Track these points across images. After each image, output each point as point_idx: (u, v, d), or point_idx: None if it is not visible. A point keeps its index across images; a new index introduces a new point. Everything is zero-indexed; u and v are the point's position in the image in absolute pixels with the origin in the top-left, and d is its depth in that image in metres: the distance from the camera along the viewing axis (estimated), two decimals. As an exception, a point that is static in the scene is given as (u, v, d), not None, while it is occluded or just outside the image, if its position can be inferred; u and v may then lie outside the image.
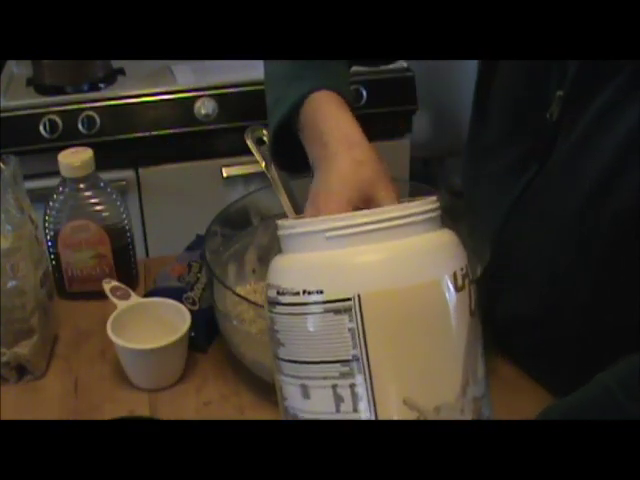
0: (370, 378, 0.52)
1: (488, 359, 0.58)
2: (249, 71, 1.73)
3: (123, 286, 0.92)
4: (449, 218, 0.91)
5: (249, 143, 0.89)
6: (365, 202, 0.62)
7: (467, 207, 0.93)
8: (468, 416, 0.54)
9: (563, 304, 0.78)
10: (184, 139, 1.70)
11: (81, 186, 0.96)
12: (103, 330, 0.85)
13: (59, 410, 0.83)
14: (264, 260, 0.96)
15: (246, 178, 1.69)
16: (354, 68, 1.82)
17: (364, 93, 1.72)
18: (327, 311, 0.52)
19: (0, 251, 0.83)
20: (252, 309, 0.83)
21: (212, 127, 1.69)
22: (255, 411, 0.82)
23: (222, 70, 1.74)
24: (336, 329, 0.52)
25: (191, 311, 0.88)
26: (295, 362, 0.54)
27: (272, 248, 0.96)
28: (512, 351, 0.88)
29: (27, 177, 0.96)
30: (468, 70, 1.64)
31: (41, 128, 1.61)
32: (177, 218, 1.70)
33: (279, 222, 0.57)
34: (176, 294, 0.92)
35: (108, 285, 0.91)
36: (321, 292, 0.52)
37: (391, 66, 1.74)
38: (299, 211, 0.86)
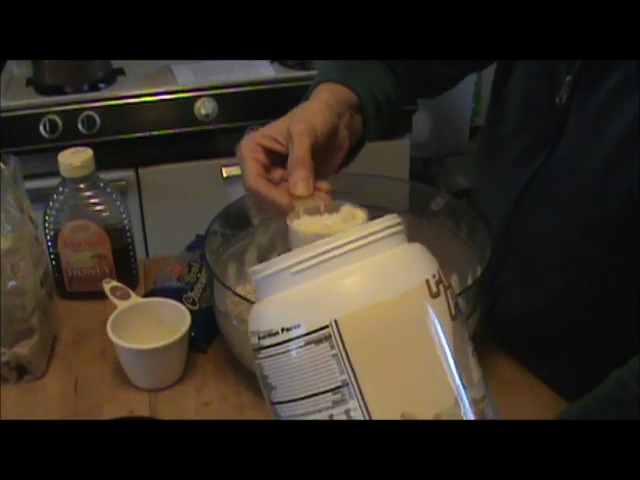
0: (363, 400, 0.52)
1: (489, 359, 0.58)
2: (249, 71, 1.74)
3: (123, 286, 0.92)
4: (449, 218, 0.92)
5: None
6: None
7: (469, 206, 0.93)
8: (470, 418, 0.54)
9: (569, 295, 0.79)
10: (184, 139, 1.70)
11: (81, 186, 0.96)
12: (103, 330, 0.85)
13: (59, 410, 0.83)
14: (264, 260, 0.96)
15: (246, 178, 1.69)
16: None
17: (364, 93, 1.72)
18: (308, 343, 0.52)
19: (0, 251, 0.83)
20: (252, 309, 0.83)
21: (212, 127, 1.69)
22: (255, 411, 0.82)
23: (222, 70, 1.74)
24: (320, 359, 0.52)
25: (191, 311, 0.88)
26: (289, 402, 0.54)
27: (272, 248, 0.96)
28: (515, 350, 0.88)
29: (27, 177, 0.96)
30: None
31: (41, 128, 1.61)
32: (177, 218, 1.70)
33: (248, 270, 0.58)
34: (176, 294, 0.92)
35: (108, 285, 0.91)
36: (298, 326, 0.52)
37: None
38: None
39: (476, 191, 0.96)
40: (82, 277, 1.00)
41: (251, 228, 0.96)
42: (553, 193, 0.79)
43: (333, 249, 0.53)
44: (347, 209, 0.66)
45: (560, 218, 0.78)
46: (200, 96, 1.68)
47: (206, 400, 0.84)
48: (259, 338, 0.54)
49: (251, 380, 0.85)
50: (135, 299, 0.90)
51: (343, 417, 0.52)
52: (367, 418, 0.52)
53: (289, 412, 0.54)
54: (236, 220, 0.94)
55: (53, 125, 1.61)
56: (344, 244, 0.53)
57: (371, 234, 0.54)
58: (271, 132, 0.73)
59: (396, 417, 0.52)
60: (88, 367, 0.90)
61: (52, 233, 0.98)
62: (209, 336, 0.92)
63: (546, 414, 0.76)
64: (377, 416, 0.52)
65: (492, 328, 0.89)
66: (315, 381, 0.53)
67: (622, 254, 0.73)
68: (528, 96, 0.85)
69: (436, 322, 0.53)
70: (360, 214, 0.66)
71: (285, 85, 1.72)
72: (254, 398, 0.84)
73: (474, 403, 0.54)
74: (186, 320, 0.86)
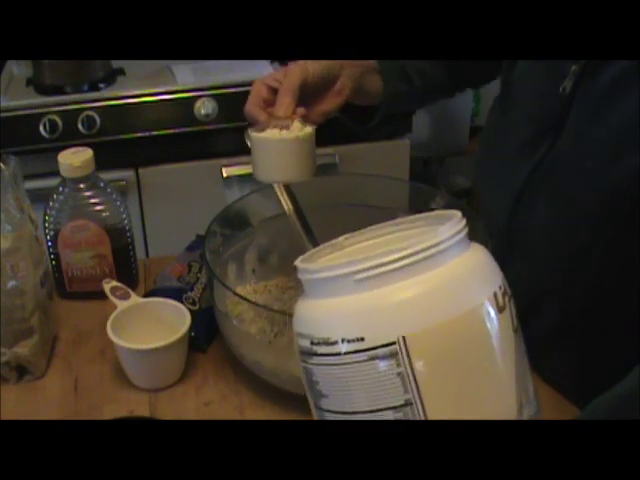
0: (426, 419, 0.50)
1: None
2: (249, 71, 1.73)
3: (123, 286, 0.92)
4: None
5: (249, 143, 0.89)
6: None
7: (469, 206, 0.93)
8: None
9: (571, 286, 0.79)
10: (184, 139, 1.70)
11: (81, 186, 0.96)
12: (103, 330, 0.85)
13: (59, 410, 0.83)
14: (264, 260, 0.96)
15: (246, 178, 1.69)
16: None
17: (364, 93, 1.72)
18: (372, 358, 0.49)
19: (0, 251, 0.83)
20: (252, 309, 0.83)
21: (212, 127, 1.69)
22: (255, 411, 0.82)
23: (222, 70, 1.74)
24: (384, 376, 0.49)
25: (191, 311, 0.88)
26: (342, 413, 0.52)
27: (272, 248, 0.96)
28: None
29: (27, 177, 0.96)
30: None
31: (41, 128, 1.61)
32: (177, 218, 1.70)
33: (300, 265, 0.54)
34: (176, 294, 0.92)
35: (108, 285, 0.91)
36: (362, 339, 0.49)
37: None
38: (298, 211, 0.87)
39: (478, 184, 0.96)
40: (82, 277, 1.00)
41: (251, 228, 0.96)
42: (555, 183, 0.80)
43: (401, 258, 0.50)
44: (296, 124, 0.80)
45: (562, 208, 0.79)
46: (200, 96, 1.68)
47: (206, 400, 0.84)
48: (312, 343, 0.51)
49: (251, 380, 0.85)
50: (135, 299, 0.90)
51: None
52: None
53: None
54: (236, 220, 0.94)
55: (53, 125, 1.61)
56: (411, 254, 0.50)
57: (439, 243, 0.51)
58: (275, 74, 0.88)
59: None
60: (88, 367, 0.90)
61: (52, 233, 0.98)
62: (209, 336, 0.92)
63: (546, 414, 0.76)
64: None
65: None
66: (375, 397, 0.50)
67: (625, 243, 0.74)
68: (532, 86, 0.85)
69: (502, 337, 0.51)
70: (308, 129, 0.80)
71: (285, 85, 1.72)
72: (254, 398, 0.84)
73: (530, 418, 0.53)
74: (186, 320, 0.86)
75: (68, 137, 1.59)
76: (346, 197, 0.94)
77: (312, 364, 0.52)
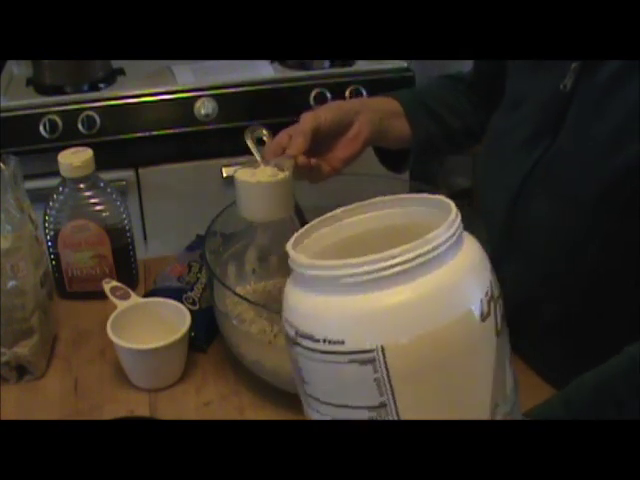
0: (399, 419, 0.51)
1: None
2: (249, 71, 1.74)
3: (123, 286, 0.92)
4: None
5: (249, 143, 0.89)
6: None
7: (469, 206, 0.93)
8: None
9: (570, 282, 0.79)
10: (184, 139, 1.70)
11: (81, 186, 0.96)
12: (103, 330, 0.85)
13: (59, 410, 0.83)
14: (264, 260, 0.96)
15: (246, 178, 1.69)
16: (354, 68, 1.82)
17: (364, 93, 1.72)
18: (351, 361, 0.50)
19: (0, 251, 0.83)
20: (252, 309, 0.83)
21: (212, 127, 1.69)
22: (255, 411, 0.82)
23: (222, 70, 1.74)
24: (361, 378, 0.50)
25: (191, 311, 0.88)
26: (323, 402, 0.53)
27: (272, 248, 0.96)
28: (517, 346, 0.88)
29: (27, 177, 0.96)
30: (468, 70, 1.64)
31: (41, 128, 1.61)
32: (177, 218, 1.70)
33: (290, 254, 0.55)
34: (176, 294, 0.92)
35: (108, 285, 0.91)
36: (342, 342, 0.50)
37: (391, 66, 1.74)
38: (298, 211, 0.87)
39: (479, 183, 0.97)
40: (82, 277, 1.00)
41: (251, 228, 0.96)
42: (554, 179, 0.80)
43: (390, 266, 0.50)
44: (270, 169, 0.83)
45: (561, 203, 0.79)
46: (200, 96, 1.68)
47: (206, 400, 0.84)
48: (297, 334, 0.52)
49: (251, 380, 0.85)
50: (135, 299, 0.90)
51: None
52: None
53: (322, 409, 0.53)
54: (236, 220, 0.94)
55: (53, 125, 1.61)
56: (400, 262, 0.50)
57: (430, 251, 0.50)
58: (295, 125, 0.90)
59: None
60: (88, 367, 0.90)
61: (52, 233, 0.98)
62: (209, 336, 0.92)
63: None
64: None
65: None
66: (351, 396, 0.51)
67: (622, 237, 0.74)
68: (532, 85, 0.86)
69: (481, 346, 0.52)
70: (282, 175, 0.82)
71: (285, 85, 1.72)
72: (254, 398, 0.84)
73: (504, 417, 0.53)
74: (186, 320, 0.86)
75: (68, 137, 1.59)
76: (346, 197, 0.94)
77: (296, 352, 0.53)
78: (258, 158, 0.88)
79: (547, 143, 0.81)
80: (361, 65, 1.76)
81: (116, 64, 1.78)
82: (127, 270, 1.02)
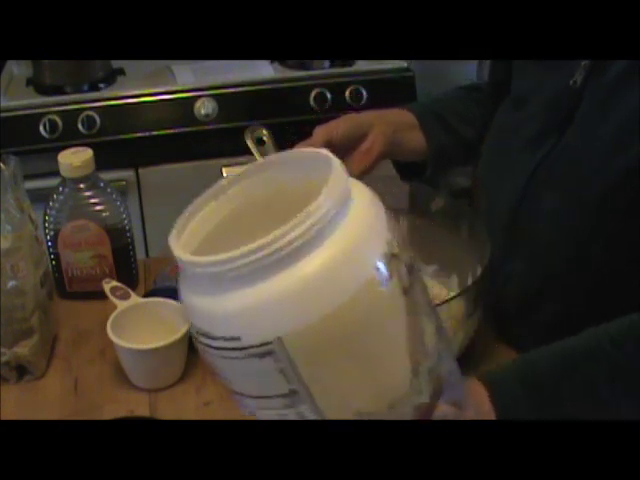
0: (315, 404, 0.49)
1: (492, 356, 0.57)
2: (249, 71, 1.73)
3: (123, 286, 0.92)
4: (449, 218, 0.91)
5: (249, 143, 0.89)
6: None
7: (469, 206, 0.93)
8: (427, 392, 0.52)
9: (573, 278, 0.80)
10: (184, 139, 1.70)
11: (81, 186, 0.96)
12: (103, 330, 0.85)
13: (59, 410, 0.83)
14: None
15: (246, 178, 1.69)
16: (354, 68, 1.82)
17: (364, 93, 1.72)
18: (250, 356, 0.48)
19: (0, 251, 0.83)
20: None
21: (212, 127, 1.69)
22: (255, 411, 0.82)
23: (222, 70, 1.74)
24: (264, 371, 0.48)
25: (191, 311, 0.88)
26: (243, 395, 0.52)
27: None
28: (519, 344, 0.88)
29: (27, 177, 0.96)
30: (468, 70, 1.64)
31: (41, 128, 1.61)
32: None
33: (171, 247, 0.51)
34: (176, 294, 0.91)
35: (108, 285, 0.91)
36: (238, 338, 0.47)
37: (391, 66, 1.74)
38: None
39: (482, 181, 0.96)
40: (82, 277, 1.00)
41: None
42: (559, 179, 0.80)
43: (268, 255, 0.46)
44: None
45: (566, 201, 0.79)
46: (200, 96, 1.68)
47: (206, 400, 0.84)
48: (197, 332, 0.50)
49: (251, 380, 0.85)
50: (135, 299, 0.90)
51: (295, 416, 0.50)
52: (322, 418, 0.50)
53: (246, 402, 0.52)
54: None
55: (53, 125, 1.61)
56: (279, 248, 0.46)
57: (305, 232, 0.46)
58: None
59: (350, 414, 0.50)
60: (88, 367, 0.90)
61: (52, 233, 0.98)
62: (209, 336, 0.91)
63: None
64: (330, 415, 0.50)
65: (498, 319, 0.89)
66: (261, 387, 0.50)
67: (625, 235, 0.75)
68: (541, 83, 0.86)
69: (386, 311, 0.49)
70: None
71: (285, 85, 1.72)
72: (254, 398, 0.84)
73: (429, 373, 0.52)
74: (186, 320, 0.86)
75: (68, 137, 1.59)
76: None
77: (202, 350, 0.51)
78: (258, 158, 0.87)
79: (553, 141, 0.81)
80: (361, 65, 1.76)
81: (116, 64, 1.77)
82: (127, 270, 1.02)
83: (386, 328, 0.50)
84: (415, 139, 0.94)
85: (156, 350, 0.83)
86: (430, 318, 0.53)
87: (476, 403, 0.63)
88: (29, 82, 1.72)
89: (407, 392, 0.51)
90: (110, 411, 0.83)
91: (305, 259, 0.47)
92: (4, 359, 0.86)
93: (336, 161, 0.50)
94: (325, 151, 0.52)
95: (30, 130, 1.61)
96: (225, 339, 0.48)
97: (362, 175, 0.88)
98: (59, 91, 1.66)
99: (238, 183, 0.57)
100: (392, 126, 0.90)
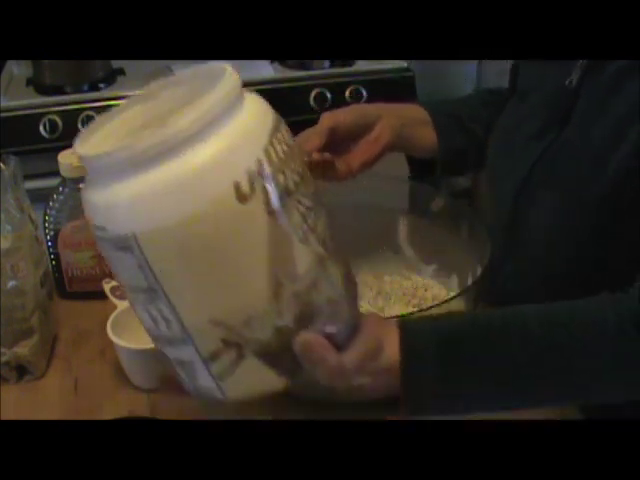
0: (171, 305, 0.52)
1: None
2: (249, 71, 1.73)
3: (123, 286, 0.92)
4: (449, 218, 0.91)
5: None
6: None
7: (469, 206, 0.93)
8: (290, 315, 0.53)
9: (572, 274, 0.80)
10: (184, 139, 1.70)
11: (81, 186, 0.96)
12: (103, 330, 0.85)
13: (59, 410, 0.83)
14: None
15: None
16: (354, 68, 1.82)
17: (364, 93, 1.72)
18: (116, 247, 0.52)
19: (0, 251, 0.83)
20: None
21: (212, 127, 1.69)
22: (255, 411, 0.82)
23: (222, 70, 1.74)
24: (127, 263, 0.52)
25: (191, 311, 0.88)
26: (125, 289, 0.56)
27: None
28: None
29: (27, 177, 0.96)
30: (468, 70, 1.64)
31: (41, 128, 1.61)
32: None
33: (76, 150, 0.55)
34: (176, 294, 0.92)
35: (108, 285, 0.91)
36: (104, 228, 0.52)
37: (391, 66, 1.74)
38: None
39: (483, 180, 0.96)
40: (82, 277, 1.00)
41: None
42: (555, 176, 0.81)
43: (142, 152, 0.49)
44: None
45: (564, 203, 0.79)
46: (200, 96, 1.68)
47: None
48: (90, 224, 0.55)
49: (251, 380, 0.85)
50: (135, 299, 0.90)
51: (156, 313, 0.53)
52: (178, 321, 0.53)
53: (129, 297, 0.57)
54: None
55: (53, 125, 1.61)
56: (146, 149, 0.49)
57: (171, 138, 0.49)
58: None
59: (204, 321, 0.52)
60: (88, 367, 0.90)
61: (52, 233, 0.98)
62: (209, 336, 0.91)
63: (547, 413, 0.76)
64: (187, 319, 0.52)
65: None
66: (126, 279, 0.54)
67: (625, 238, 0.75)
68: (539, 81, 0.86)
69: (242, 228, 0.51)
70: None
71: (285, 85, 1.72)
72: (254, 398, 0.84)
73: (294, 297, 0.53)
74: (186, 320, 0.86)
75: (68, 137, 1.58)
76: (346, 197, 0.94)
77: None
78: None
79: (552, 138, 0.82)
80: (361, 65, 1.76)
81: (116, 64, 1.77)
82: (127, 270, 1.02)
83: (241, 244, 0.51)
84: (426, 135, 0.93)
85: (156, 350, 0.83)
86: (311, 248, 0.54)
87: (375, 339, 0.60)
88: (29, 82, 1.72)
89: (266, 311, 0.52)
90: (110, 411, 0.83)
91: (169, 163, 0.49)
92: (4, 359, 0.86)
93: (230, 71, 0.52)
94: (223, 64, 0.54)
95: (30, 130, 1.61)
96: (97, 228, 0.53)
97: (367, 165, 0.87)
98: (59, 91, 1.66)
99: (142, 100, 0.59)
100: (401, 119, 0.90)
